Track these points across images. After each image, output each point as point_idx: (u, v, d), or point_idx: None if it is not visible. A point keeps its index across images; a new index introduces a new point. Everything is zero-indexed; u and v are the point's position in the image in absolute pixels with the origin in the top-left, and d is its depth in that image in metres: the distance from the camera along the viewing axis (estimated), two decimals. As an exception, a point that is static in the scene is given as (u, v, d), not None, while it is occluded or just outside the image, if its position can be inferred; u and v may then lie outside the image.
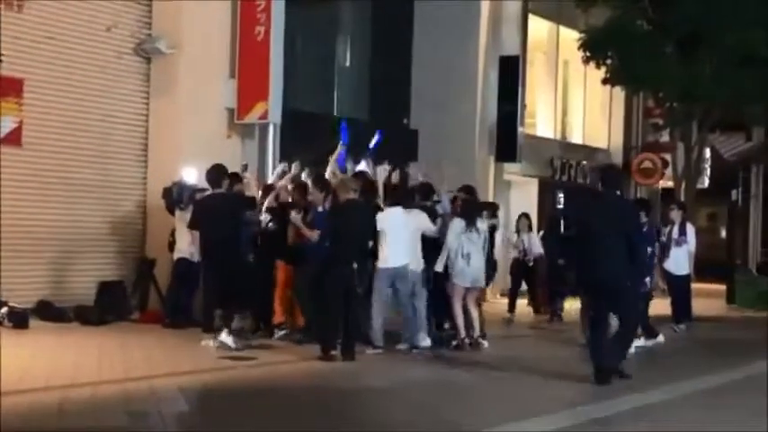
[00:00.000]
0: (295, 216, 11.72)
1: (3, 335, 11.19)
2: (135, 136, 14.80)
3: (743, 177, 29.54)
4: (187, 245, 12.67)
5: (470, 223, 12.11)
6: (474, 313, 12.41)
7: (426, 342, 11.94)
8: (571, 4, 21.06)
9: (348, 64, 19.92)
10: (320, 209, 11.75)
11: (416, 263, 11.87)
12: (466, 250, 12.00)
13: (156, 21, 14.85)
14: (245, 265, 11.82)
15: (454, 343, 12.25)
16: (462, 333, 12.19)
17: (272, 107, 15.06)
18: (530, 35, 21.97)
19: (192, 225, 11.67)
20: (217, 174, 11.58)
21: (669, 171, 23.50)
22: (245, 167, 11.96)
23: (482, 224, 12.32)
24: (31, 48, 13.43)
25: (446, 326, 12.76)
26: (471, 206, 12.48)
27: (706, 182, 26.84)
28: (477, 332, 12.36)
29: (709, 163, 27.13)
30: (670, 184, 23.76)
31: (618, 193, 10.76)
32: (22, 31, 13.31)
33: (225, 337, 11.06)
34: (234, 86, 15.16)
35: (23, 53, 13.32)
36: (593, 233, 9.89)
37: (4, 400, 7.64)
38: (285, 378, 10.04)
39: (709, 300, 19.85)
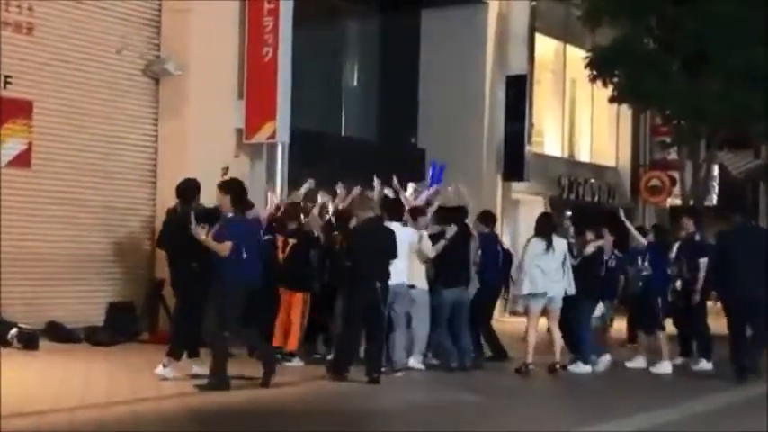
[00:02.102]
0: (198, 230, 9.97)
1: (13, 356, 11.21)
2: (144, 157, 14.85)
3: (751, 195, 29.47)
4: None
5: (549, 244, 11.92)
6: (556, 336, 12.18)
7: (418, 364, 11.81)
8: (578, 22, 21.12)
9: (355, 84, 20.01)
10: (230, 215, 10.08)
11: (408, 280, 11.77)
12: (542, 271, 11.83)
13: (165, 42, 14.92)
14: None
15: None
16: (530, 358, 11.97)
17: (281, 127, 15.10)
18: (537, 54, 22.04)
19: (157, 244, 11.03)
20: (190, 189, 10.63)
21: (677, 189, 23.49)
22: (225, 171, 11.58)
23: (559, 242, 12.12)
24: (41, 70, 13.50)
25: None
26: (547, 224, 12.30)
27: (714, 200, 26.78)
28: (557, 357, 12.16)
29: (717, 181, 27.08)
30: (678, 202, 23.74)
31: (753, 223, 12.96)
32: (32, 53, 13.38)
33: (165, 369, 10.26)
34: (242, 107, 15.22)
35: (33, 75, 13.39)
36: (740, 259, 11.96)
37: (12, 422, 7.64)
38: (293, 398, 10.03)
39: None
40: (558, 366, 12.14)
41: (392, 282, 11.03)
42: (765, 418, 9.37)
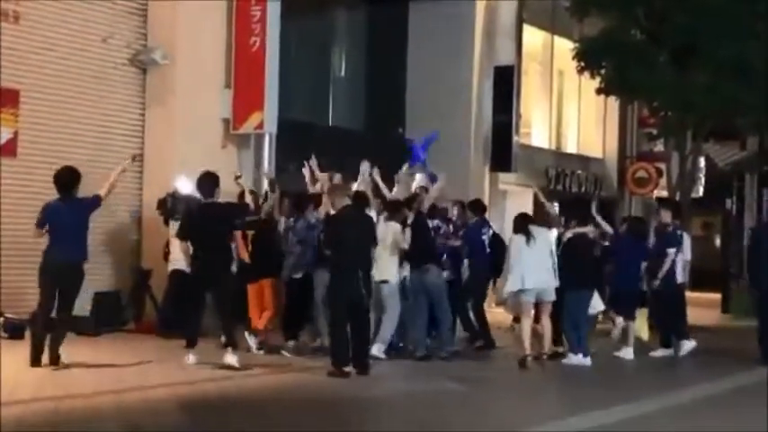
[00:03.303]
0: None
1: (-2, 346, 11.19)
2: (130, 146, 14.77)
3: (737, 186, 29.54)
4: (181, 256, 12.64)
5: (528, 237, 11.95)
6: (546, 328, 12.19)
7: (380, 354, 11.73)
8: (566, 13, 21.12)
9: (343, 74, 19.97)
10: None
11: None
12: (527, 266, 11.84)
13: (152, 31, 14.88)
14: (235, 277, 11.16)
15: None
16: (528, 350, 11.95)
17: (268, 117, 15.08)
18: (524, 45, 22.03)
19: (180, 235, 11.26)
20: (209, 182, 11.06)
21: (664, 180, 23.52)
22: (238, 177, 11.89)
23: (541, 234, 12.13)
24: (27, 58, 13.45)
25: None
26: (523, 221, 12.33)
27: (700, 191, 26.85)
28: (545, 348, 12.19)
29: (703, 172, 27.15)
30: (664, 193, 23.79)
31: None
32: (19, 41, 13.33)
33: (230, 357, 10.55)
34: (229, 97, 15.19)
35: (20, 64, 13.34)
36: None
37: (-1, 411, 7.65)
38: (280, 389, 10.04)
39: (704, 309, 19.88)
40: (545, 357, 12.17)
41: None
42: (764, 408, 9.44)
